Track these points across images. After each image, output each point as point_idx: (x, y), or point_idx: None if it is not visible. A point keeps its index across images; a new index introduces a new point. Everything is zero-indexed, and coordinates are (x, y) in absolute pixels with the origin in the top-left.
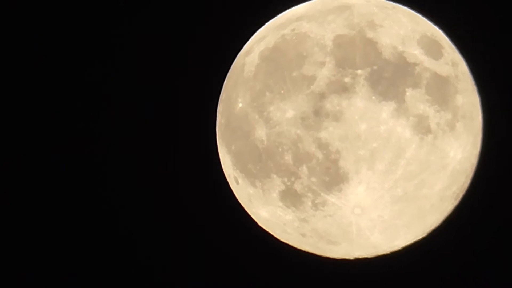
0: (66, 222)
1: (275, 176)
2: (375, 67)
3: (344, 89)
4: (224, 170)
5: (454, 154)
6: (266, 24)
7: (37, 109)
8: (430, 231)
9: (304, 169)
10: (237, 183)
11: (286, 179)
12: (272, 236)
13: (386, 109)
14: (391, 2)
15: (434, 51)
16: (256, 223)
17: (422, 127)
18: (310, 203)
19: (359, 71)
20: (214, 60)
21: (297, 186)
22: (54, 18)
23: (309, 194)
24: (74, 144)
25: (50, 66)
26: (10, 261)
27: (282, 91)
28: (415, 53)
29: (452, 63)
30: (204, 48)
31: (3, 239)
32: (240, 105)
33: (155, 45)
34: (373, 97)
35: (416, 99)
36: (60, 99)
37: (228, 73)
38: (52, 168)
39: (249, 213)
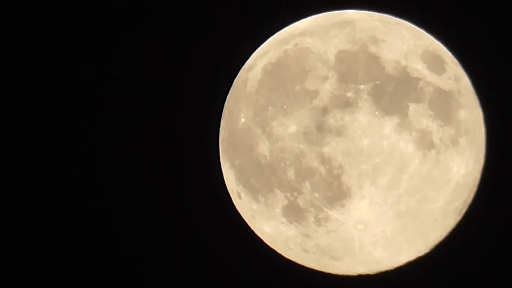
0: (66, 222)
1: (278, 191)
2: (377, 82)
3: (347, 104)
4: (227, 185)
5: (457, 169)
6: (269, 39)
7: (37, 109)
8: (433, 247)
9: (306, 185)
10: (240, 198)
11: (289, 194)
12: (275, 252)
13: (389, 124)
14: (393, 17)
15: (436, 66)
16: (259, 238)
17: (425, 142)
18: (313, 219)
19: (362, 86)
20: (217, 75)
21: (300, 201)
22: (55, 19)
23: (312, 209)
24: (74, 147)
25: (51, 67)
26: (10, 261)
27: (285, 106)
28: (418, 67)
29: (454, 77)
30: (207, 63)
31: (3, 239)
32: (243, 120)
33: (158, 60)
34: (376, 112)
35: (419, 114)
36: (61, 99)
37: (231, 88)
38: (52, 168)
39: (252, 229)
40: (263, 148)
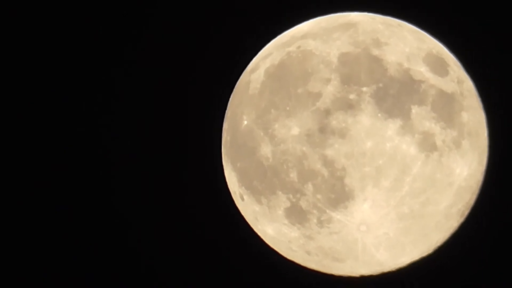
0: (66, 222)
1: (280, 193)
2: (380, 84)
3: (349, 106)
4: (229, 187)
5: (459, 172)
6: (272, 42)
7: (41, 110)
8: (436, 249)
9: (309, 186)
10: (243, 200)
11: (291, 196)
12: (277, 253)
13: (392, 126)
14: (396, 20)
15: (439, 68)
16: (261, 240)
17: (427, 144)
18: (315, 220)
19: (364, 88)
20: (220, 78)
21: (303, 203)
22: (60, 19)
23: (315, 211)
24: (78, 152)
25: (54, 67)
26: (11, 261)
27: (288, 108)
28: (421, 70)
29: (457, 80)
30: (210, 65)
31: (5, 239)
32: (246, 122)
33: (161, 63)
34: (379, 114)
35: (422, 117)
36: (62, 99)
37: (234, 91)
38: (54, 169)
39: (255, 230)
40: (266, 150)
